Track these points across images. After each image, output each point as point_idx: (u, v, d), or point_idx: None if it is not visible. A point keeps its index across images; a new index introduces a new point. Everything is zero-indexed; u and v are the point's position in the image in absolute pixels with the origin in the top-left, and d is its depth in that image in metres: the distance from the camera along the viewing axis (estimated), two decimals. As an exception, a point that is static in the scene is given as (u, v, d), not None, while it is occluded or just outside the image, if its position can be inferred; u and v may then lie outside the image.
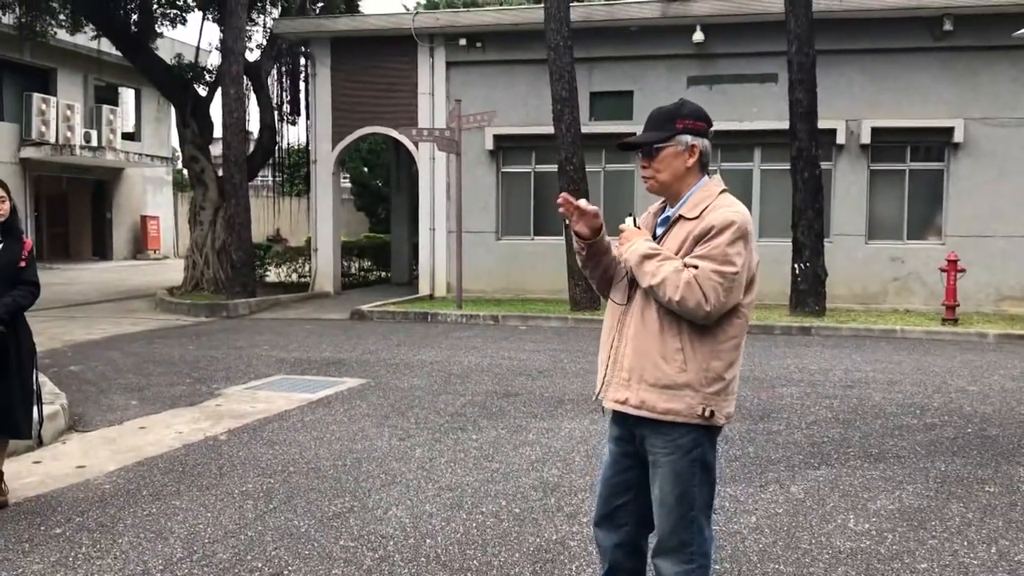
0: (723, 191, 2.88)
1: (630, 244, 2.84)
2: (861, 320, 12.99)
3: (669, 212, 2.93)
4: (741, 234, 2.73)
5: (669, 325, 2.78)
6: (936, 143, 15.08)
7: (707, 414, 2.78)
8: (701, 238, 2.75)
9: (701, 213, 2.81)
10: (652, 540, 2.96)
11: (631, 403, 2.83)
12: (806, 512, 4.80)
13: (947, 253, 13.28)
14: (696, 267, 2.70)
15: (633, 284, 2.89)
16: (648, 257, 2.77)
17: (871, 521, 4.66)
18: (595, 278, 3.04)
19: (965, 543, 4.36)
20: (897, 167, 15.30)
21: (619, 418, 2.95)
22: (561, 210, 2.89)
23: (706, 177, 2.91)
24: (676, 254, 2.78)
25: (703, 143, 2.88)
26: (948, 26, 14.51)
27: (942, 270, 12.89)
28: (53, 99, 25.08)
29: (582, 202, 2.87)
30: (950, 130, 14.71)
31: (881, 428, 6.71)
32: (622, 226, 2.92)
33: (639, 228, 2.93)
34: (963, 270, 12.79)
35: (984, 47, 14.57)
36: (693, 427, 2.80)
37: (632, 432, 2.92)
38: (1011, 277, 14.42)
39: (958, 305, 12.82)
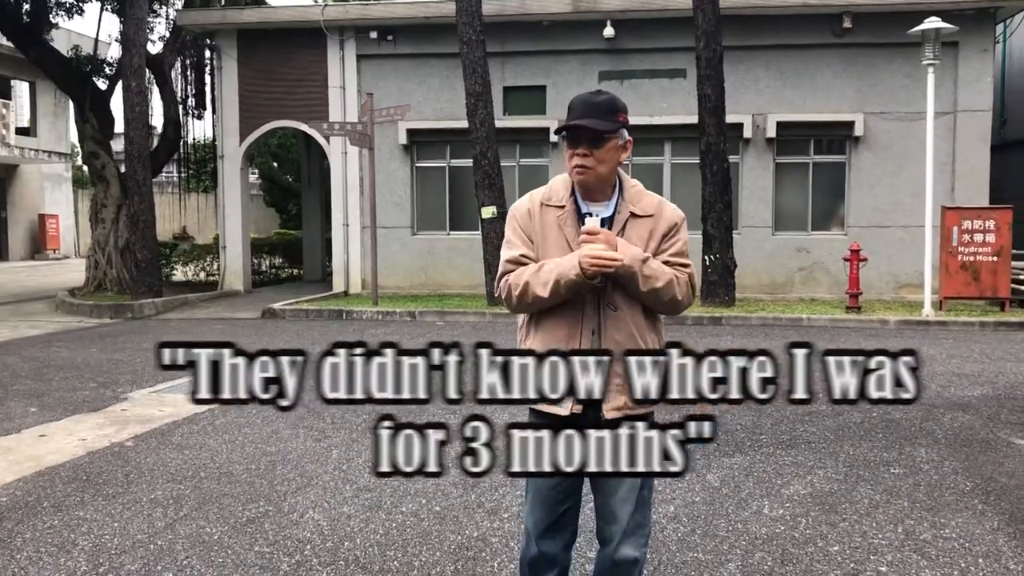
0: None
1: (623, 247, 2.68)
2: (769, 309, 13.34)
3: (604, 210, 2.79)
4: None
5: (649, 320, 2.84)
6: (838, 137, 15.60)
7: None
8: (667, 234, 2.81)
9: (655, 210, 2.82)
10: (610, 530, 2.87)
11: (628, 405, 2.78)
12: (722, 500, 4.89)
13: (850, 243, 13.76)
14: (686, 266, 2.82)
15: (607, 289, 2.75)
16: (645, 261, 2.72)
17: (785, 506, 4.77)
18: (547, 305, 2.78)
19: (874, 524, 4.50)
20: (802, 160, 15.76)
21: (573, 423, 2.77)
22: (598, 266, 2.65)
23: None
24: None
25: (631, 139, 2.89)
26: (848, 23, 15.01)
27: (845, 260, 13.34)
28: (-61, 92, 23.83)
29: (608, 252, 2.65)
30: (851, 124, 15.22)
31: (792, 415, 6.89)
32: (593, 228, 2.68)
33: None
34: (865, 259, 13.26)
35: (881, 44, 15.13)
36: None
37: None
38: (909, 266, 15.02)
39: (861, 293, 13.29)
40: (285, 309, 13.94)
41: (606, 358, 2.71)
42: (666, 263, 2.77)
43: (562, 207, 2.82)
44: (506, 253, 2.86)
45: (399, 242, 16.44)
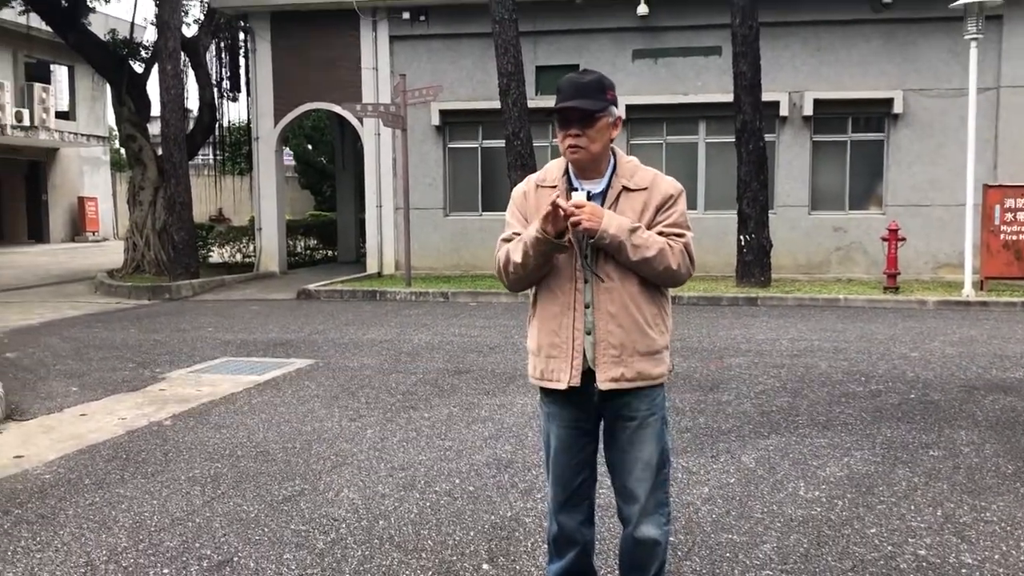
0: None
1: (609, 219, 2.73)
2: (806, 290, 13.19)
3: (596, 186, 2.85)
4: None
5: (646, 292, 2.85)
6: (876, 114, 15.32)
7: (673, 367, 2.99)
8: (662, 206, 2.85)
9: (649, 183, 2.87)
10: (629, 510, 2.93)
11: (627, 377, 2.84)
12: (757, 481, 4.85)
13: (888, 222, 13.54)
14: (682, 235, 2.83)
15: (594, 260, 2.81)
16: (634, 231, 2.76)
17: (821, 488, 4.73)
18: (530, 280, 2.91)
19: (912, 507, 4.44)
20: (839, 138, 15.51)
21: (579, 398, 2.90)
22: (547, 212, 2.71)
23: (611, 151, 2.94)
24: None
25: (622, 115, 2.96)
26: (887, -2, 14.70)
27: (883, 239, 13.13)
28: (-20, 77, 24.19)
29: (562, 202, 2.72)
30: (890, 101, 14.94)
31: (828, 396, 6.81)
32: (579, 201, 2.74)
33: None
34: (903, 239, 13.04)
35: (921, 19, 14.81)
36: (661, 385, 2.95)
37: (598, 409, 2.93)
38: (948, 245, 14.75)
39: (899, 273, 13.08)
40: (320, 290, 14.04)
41: (598, 330, 2.82)
42: (661, 234, 2.81)
43: (554, 187, 2.90)
44: (502, 235, 3.00)
45: (432, 223, 16.47)
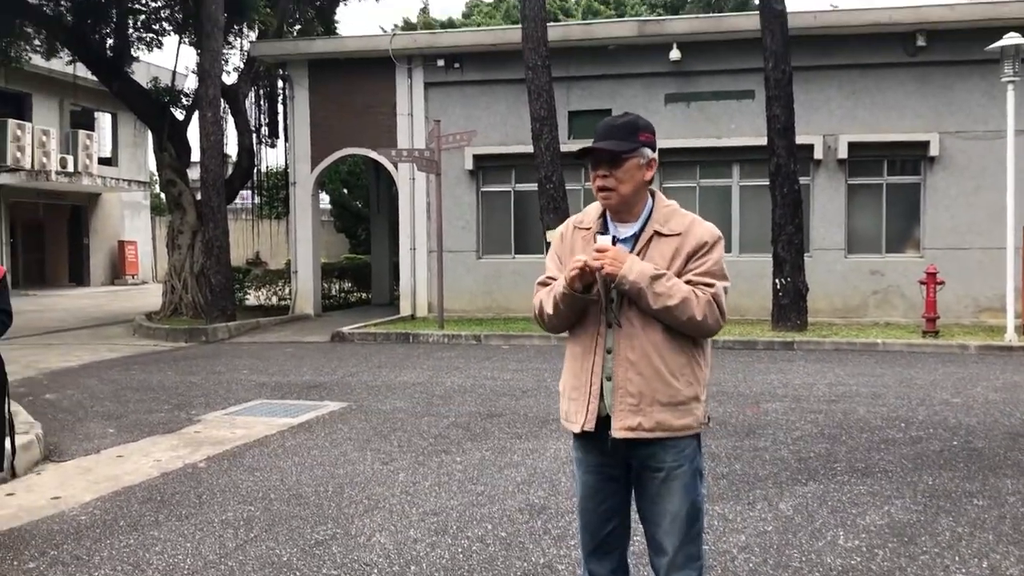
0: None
1: (630, 264, 2.70)
2: (843, 334, 13.02)
3: (629, 230, 2.84)
4: (724, 247, 2.85)
5: (672, 341, 2.77)
6: (912, 157, 15.20)
7: (707, 420, 2.87)
8: (695, 254, 2.78)
9: (683, 229, 2.80)
10: (658, 562, 2.86)
11: (644, 427, 2.75)
12: (795, 529, 4.75)
13: (926, 266, 13.36)
14: (711, 285, 2.74)
15: (618, 306, 2.78)
16: (657, 278, 2.70)
17: (861, 537, 4.62)
18: (564, 324, 2.91)
19: (956, 558, 4.32)
20: (875, 181, 15.40)
21: (603, 444, 2.82)
22: (576, 273, 2.72)
23: (650, 194, 2.89)
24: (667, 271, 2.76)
25: (657, 158, 2.88)
26: (921, 42, 14.67)
27: (921, 283, 12.94)
28: (28, 125, 24.83)
29: (585, 256, 2.73)
30: (926, 144, 14.83)
31: (867, 442, 6.68)
32: (602, 245, 2.76)
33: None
34: (942, 282, 12.84)
35: (957, 62, 14.73)
36: (694, 436, 2.85)
37: (624, 456, 2.84)
38: (988, 289, 14.49)
39: (938, 317, 12.87)
40: (354, 333, 14.11)
41: (617, 377, 2.77)
42: (690, 282, 2.73)
43: (589, 228, 2.90)
44: (539, 278, 3.01)
45: (465, 266, 16.54)
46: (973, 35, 14.14)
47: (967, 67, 14.65)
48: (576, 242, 2.88)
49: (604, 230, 2.87)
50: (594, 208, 2.95)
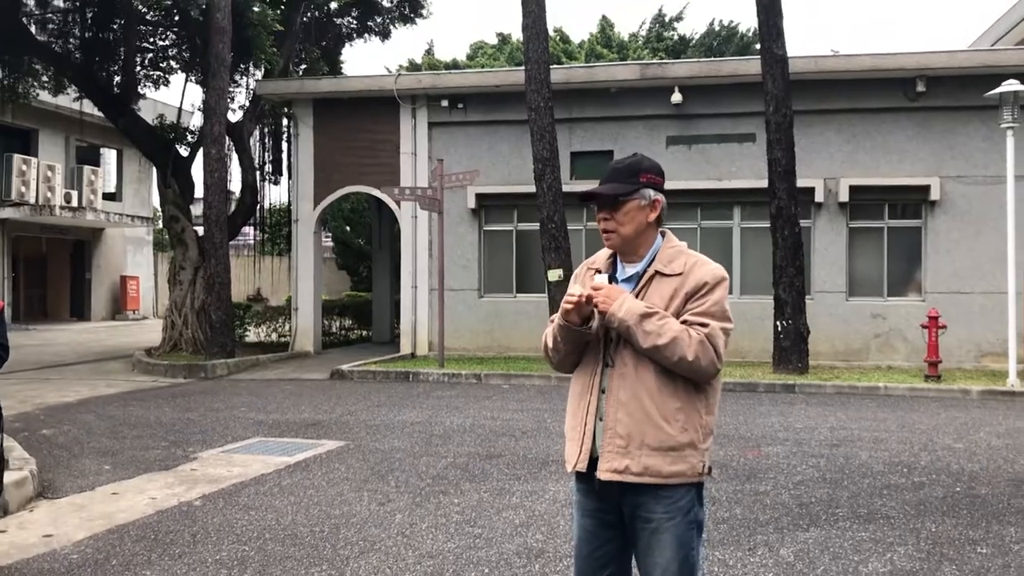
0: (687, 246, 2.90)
1: (621, 303, 2.71)
2: (844, 377, 12.96)
3: (632, 270, 2.86)
4: (728, 289, 2.80)
5: (666, 384, 2.71)
6: (913, 201, 15.25)
7: (706, 470, 2.77)
8: (694, 294, 2.75)
9: (684, 269, 2.78)
10: None
11: (632, 471, 2.69)
12: (797, 576, 4.68)
13: (928, 310, 13.33)
14: (705, 325, 2.69)
15: (614, 345, 2.78)
16: (646, 316, 2.67)
17: (863, 585, 4.55)
18: (569, 361, 2.91)
19: (960, 608, 4.25)
20: (876, 224, 15.44)
21: (601, 489, 2.77)
22: (571, 307, 2.75)
23: (660, 235, 2.89)
24: (664, 311, 2.73)
25: (663, 198, 2.86)
26: (921, 87, 14.80)
27: (923, 327, 12.92)
28: (34, 160, 25.02)
29: (580, 289, 2.76)
30: (926, 188, 14.89)
31: (869, 487, 6.61)
32: (597, 283, 2.78)
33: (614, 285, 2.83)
34: (944, 326, 12.82)
35: (957, 107, 14.85)
36: (691, 486, 2.75)
37: (617, 502, 2.79)
38: (991, 333, 14.46)
39: (940, 361, 12.82)
40: (353, 370, 14.06)
41: (607, 417, 2.74)
42: (685, 322, 2.70)
43: (599, 270, 2.92)
44: (552, 316, 3.01)
45: (466, 304, 16.53)
46: (973, 81, 14.28)
47: (967, 112, 14.76)
48: (587, 281, 2.90)
49: (612, 270, 2.89)
50: (607, 249, 2.98)
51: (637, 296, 2.78)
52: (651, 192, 2.83)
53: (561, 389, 12.32)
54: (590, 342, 2.83)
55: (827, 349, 14.85)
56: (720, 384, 2.85)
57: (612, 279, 2.84)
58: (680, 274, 2.77)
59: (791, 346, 13.24)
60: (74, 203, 25.91)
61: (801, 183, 13.84)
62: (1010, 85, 12.07)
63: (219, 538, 5.40)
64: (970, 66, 14.68)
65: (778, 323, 13.36)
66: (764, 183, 13.75)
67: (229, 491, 6.59)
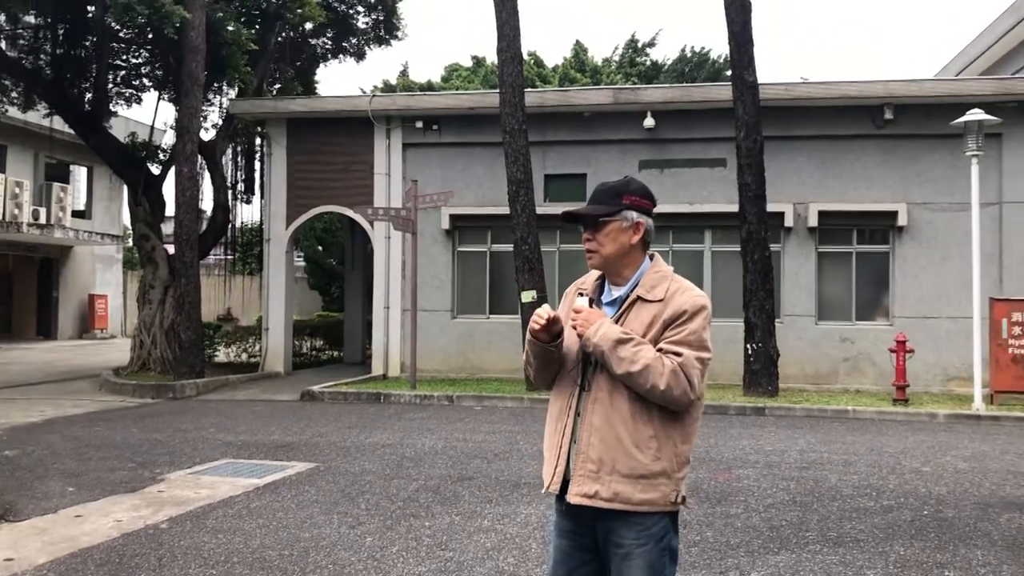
0: (674, 272, 2.88)
1: (597, 327, 2.70)
2: (814, 400, 13.07)
3: (617, 293, 2.85)
4: (710, 319, 2.78)
5: (641, 412, 2.70)
6: (881, 226, 15.48)
7: (679, 500, 2.74)
8: (673, 322, 2.73)
9: (665, 295, 2.77)
10: None
11: (602, 496, 2.68)
12: (767, 600, 4.70)
13: (895, 334, 13.50)
14: (679, 354, 2.67)
15: (590, 368, 2.78)
16: (621, 342, 2.66)
17: (833, 609, 4.57)
18: (542, 376, 2.91)
19: (928, 631, 4.28)
20: (844, 249, 15.63)
21: (575, 512, 2.77)
22: (537, 326, 2.75)
23: (648, 258, 2.88)
24: (642, 337, 2.71)
25: (648, 221, 2.85)
26: (889, 115, 15.05)
27: (891, 351, 13.07)
28: (1, 176, 24.70)
29: (547, 309, 2.75)
30: (894, 214, 15.11)
31: (839, 511, 6.66)
32: (577, 305, 2.78)
33: (595, 308, 2.82)
34: (912, 351, 12.98)
35: (923, 135, 15.11)
36: (664, 514, 2.73)
37: (591, 525, 2.77)
38: (957, 358, 14.66)
39: (908, 385, 12.97)
40: (324, 392, 13.96)
41: (580, 441, 2.74)
42: (661, 350, 2.68)
43: (585, 292, 2.93)
44: None
45: (439, 325, 16.49)
46: (939, 110, 14.54)
47: (933, 140, 15.03)
48: (571, 302, 2.92)
49: (599, 292, 2.90)
50: (595, 271, 2.99)
51: (618, 321, 2.77)
52: (634, 214, 2.82)
53: (534, 411, 12.31)
54: (569, 363, 2.83)
55: (797, 372, 14.97)
56: (700, 413, 2.82)
57: (596, 302, 2.84)
58: (661, 300, 2.76)
59: (761, 369, 13.34)
60: (42, 220, 25.57)
61: (771, 208, 14.00)
62: (974, 114, 12.31)
63: (186, 562, 5.32)
64: (936, 95, 14.98)
65: (748, 346, 13.46)
66: (735, 207, 13.89)
67: (197, 513, 6.50)
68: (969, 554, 5.57)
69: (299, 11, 17.87)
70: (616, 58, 31.73)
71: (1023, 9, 19.02)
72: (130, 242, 28.88)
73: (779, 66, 77.94)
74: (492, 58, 25.56)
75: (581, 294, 2.88)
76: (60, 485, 7.44)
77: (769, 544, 5.75)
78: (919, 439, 10.22)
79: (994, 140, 14.43)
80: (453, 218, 16.45)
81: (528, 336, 2.83)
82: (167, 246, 17.50)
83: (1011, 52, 20.58)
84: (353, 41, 20.68)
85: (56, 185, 26.81)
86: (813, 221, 15.30)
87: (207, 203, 19.73)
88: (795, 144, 15.45)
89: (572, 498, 2.72)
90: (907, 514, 6.58)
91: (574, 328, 2.75)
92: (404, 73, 32.26)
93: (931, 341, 14.72)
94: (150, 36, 17.18)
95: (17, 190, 25.01)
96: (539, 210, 14.41)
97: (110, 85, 18.71)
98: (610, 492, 2.68)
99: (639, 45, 31.75)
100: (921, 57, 77.44)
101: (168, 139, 21.40)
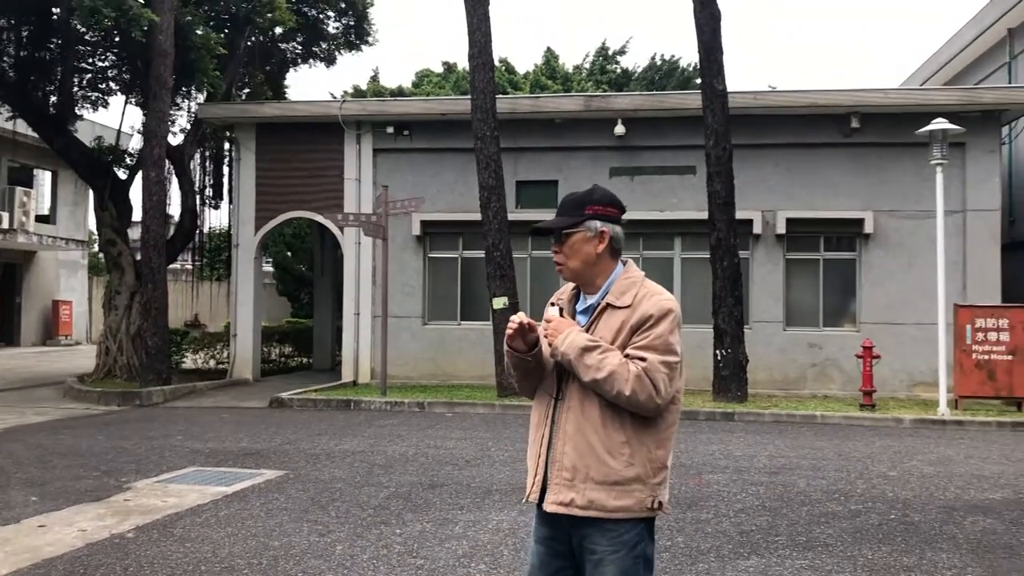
0: (645, 277, 2.87)
1: (565, 336, 2.71)
2: (782, 406, 13.17)
3: (590, 301, 2.85)
4: (678, 322, 2.77)
5: (612, 418, 2.70)
6: (848, 234, 15.66)
7: (655, 506, 2.74)
8: (640, 327, 2.72)
9: (633, 301, 2.76)
10: None
11: (577, 504, 2.69)
12: (738, 605, 4.72)
13: (862, 340, 13.66)
14: (644, 359, 2.66)
15: (565, 377, 2.78)
16: (588, 350, 2.67)
17: (803, 613, 4.60)
18: (524, 386, 2.91)
19: (896, 634, 4.32)
20: (812, 256, 15.80)
21: (551, 519, 2.77)
22: (510, 332, 2.77)
23: (621, 264, 2.87)
24: (611, 344, 2.72)
25: (613, 229, 2.83)
26: (856, 124, 15.24)
27: (858, 356, 13.21)
28: (-37, 180, 24.29)
29: (521, 315, 2.77)
30: (861, 221, 15.30)
31: (808, 515, 6.71)
32: (548, 315, 2.79)
33: (565, 318, 2.82)
34: (878, 356, 13.13)
35: (889, 144, 15.34)
36: (638, 521, 2.73)
37: (567, 532, 2.77)
38: (922, 363, 14.85)
39: (875, 391, 13.12)
40: (293, 399, 13.85)
41: (555, 450, 2.75)
42: (627, 355, 2.69)
43: (554, 301, 2.93)
44: None
45: (410, 331, 16.43)
46: (905, 119, 14.76)
47: (899, 149, 15.25)
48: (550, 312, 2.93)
49: (576, 301, 2.91)
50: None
51: (588, 328, 2.78)
52: (597, 223, 2.80)
53: (505, 417, 12.29)
54: (546, 372, 2.84)
55: (765, 378, 15.09)
56: (676, 417, 2.81)
57: (568, 311, 2.85)
58: (629, 307, 2.76)
59: (730, 375, 13.43)
60: (5, 225, 25.14)
61: (740, 215, 14.11)
62: (939, 123, 12.50)
63: (152, 571, 5.24)
64: (902, 104, 15.20)
65: (718, 352, 13.55)
66: (704, 215, 13.98)
67: (164, 522, 6.42)
68: (935, 557, 5.64)
69: (269, 15, 17.76)
70: (587, 65, 31.86)
71: (986, 20, 19.38)
72: (96, 247, 28.54)
73: (748, 76, 78.74)
74: (463, 64, 25.60)
75: (553, 304, 2.88)
76: (23, 494, 7.31)
77: (739, 549, 5.78)
78: (886, 444, 10.34)
79: (958, 149, 14.66)
80: (424, 224, 16.41)
81: (505, 346, 2.83)
82: (134, 251, 17.29)
83: (975, 62, 20.99)
84: (323, 46, 20.59)
85: (19, 189, 26.37)
86: (781, 228, 15.45)
87: (175, 208, 19.58)
88: (764, 152, 15.61)
89: (549, 506, 2.73)
90: (875, 518, 6.65)
91: (546, 338, 2.76)
92: (375, 78, 32.16)
93: (897, 347, 14.90)
94: (117, 39, 16.97)
95: (-21, 194, 24.58)
96: (511, 216, 14.42)
97: (76, 88, 18.46)
98: (585, 500, 2.68)
99: (610, 53, 31.92)
100: (890, 63, 78.63)
101: (135, 143, 21.13)
